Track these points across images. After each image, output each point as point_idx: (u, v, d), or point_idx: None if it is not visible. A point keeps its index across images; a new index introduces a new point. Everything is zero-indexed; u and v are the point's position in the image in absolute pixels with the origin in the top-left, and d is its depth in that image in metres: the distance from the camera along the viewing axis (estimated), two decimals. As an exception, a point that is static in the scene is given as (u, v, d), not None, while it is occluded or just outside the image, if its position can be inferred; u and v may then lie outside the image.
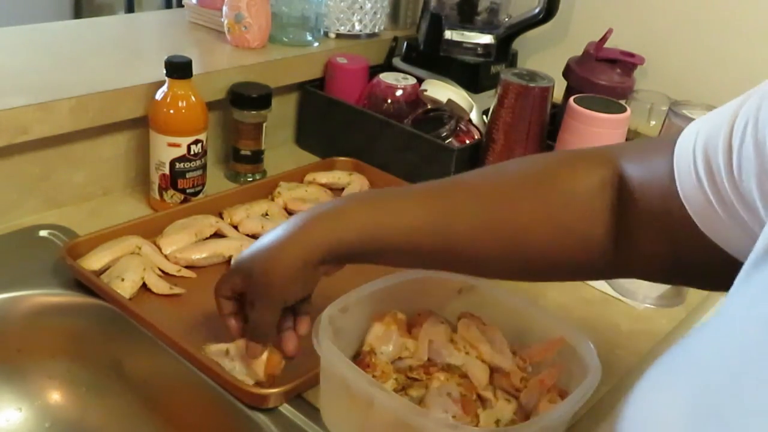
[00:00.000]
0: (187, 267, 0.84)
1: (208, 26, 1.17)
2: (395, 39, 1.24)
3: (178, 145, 0.91)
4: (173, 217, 0.89)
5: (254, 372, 0.66)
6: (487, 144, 1.02)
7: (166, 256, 0.83)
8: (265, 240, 0.61)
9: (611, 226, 0.58)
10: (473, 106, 1.06)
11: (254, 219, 0.92)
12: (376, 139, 1.08)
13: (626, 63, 1.10)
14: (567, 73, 1.13)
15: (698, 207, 0.50)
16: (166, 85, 0.90)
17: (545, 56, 1.28)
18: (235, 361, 0.67)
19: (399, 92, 1.11)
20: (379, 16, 1.23)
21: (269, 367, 0.66)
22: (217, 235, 0.89)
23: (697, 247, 0.52)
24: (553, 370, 0.66)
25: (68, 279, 0.78)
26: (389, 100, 1.11)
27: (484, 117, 1.07)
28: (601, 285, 0.90)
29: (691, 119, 0.89)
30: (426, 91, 1.06)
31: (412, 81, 1.13)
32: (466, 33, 1.13)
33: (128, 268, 0.78)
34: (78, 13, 3.02)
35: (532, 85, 0.98)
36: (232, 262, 0.75)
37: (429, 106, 1.08)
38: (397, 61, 1.22)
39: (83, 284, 0.77)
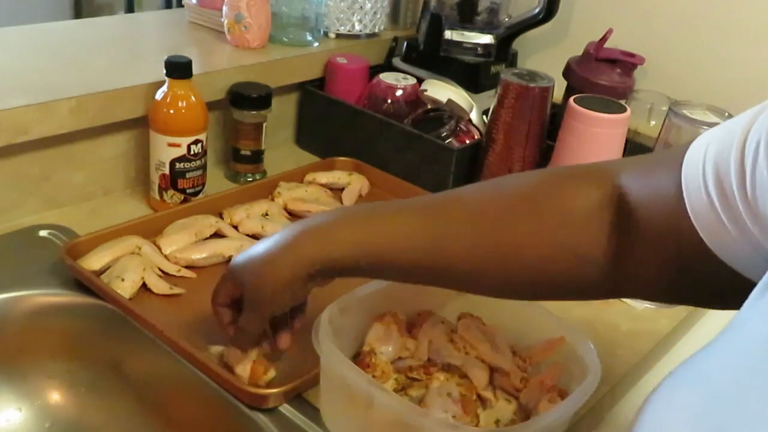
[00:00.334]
0: (187, 267, 0.84)
1: (208, 26, 1.17)
2: (395, 39, 1.24)
3: (178, 145, 0.91)
4: (173, 217, 0.89)
5: (238, 378, 0.66)
6: (487, 144, 1.02)
7: (166, 256, 0.83)
8: (258, 250, 0.61)
9: (611, 245, 0.56)
10: (473, 106, 1.06)
11: (254, 219, 0.92)
12: (376, 139, 1.08)
13: (626, 63, 1.10)
14: (567, 73, 1.13)
15: (708, 225, 0.49)
16: (166, 85, 0.90)
17: (545, 56, 1.28)
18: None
19: (399, 92, 1.11)
20: (379, 16, 1.23)
21: (253, 377, 0.67)
22: (217, 235, 0.89)
23: (703, 265, 0.50)
24: (553, 370, 0.66)
25: (68, 279, 0.78)
26: (389, 100, 1.11)
27: (484, 117, 1.07)
28: (601, 285, 0.90)
29: (691, 119, 0.89)
30: (426, 91, 1.06)
31: (412, 81, 1.13)
32: (466, 33, 1.13)
33: (128, 268, 0.78)
34: (78, 13, 3.02)
35: (532, 85, 0.98)
36: (227, 267, 0.76)
37: (429, 106, 1.08)
38: (397, 61, 1.21)
39: (83, 284, 0.77)
